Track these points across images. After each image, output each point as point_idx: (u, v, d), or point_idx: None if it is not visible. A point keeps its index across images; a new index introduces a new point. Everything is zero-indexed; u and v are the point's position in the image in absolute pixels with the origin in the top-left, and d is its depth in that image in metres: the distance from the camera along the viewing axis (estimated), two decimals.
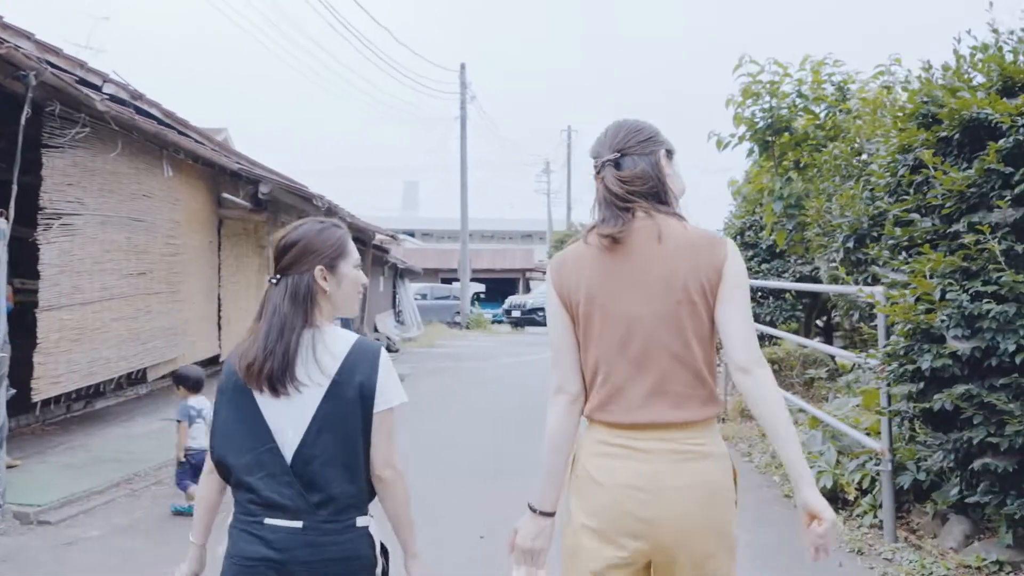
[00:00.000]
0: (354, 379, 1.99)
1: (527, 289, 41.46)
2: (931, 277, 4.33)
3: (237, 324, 12.01)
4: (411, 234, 66.97)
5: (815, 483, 1.98)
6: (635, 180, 2.03)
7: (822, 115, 6.68)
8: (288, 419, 1.98)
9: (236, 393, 2.02)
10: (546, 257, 48.52)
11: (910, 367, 4.58)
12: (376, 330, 21.72)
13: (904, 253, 5.04)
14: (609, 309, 1.98)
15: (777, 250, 9.99)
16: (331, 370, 1.99)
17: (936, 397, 4.36)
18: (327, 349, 2.02)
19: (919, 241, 4.78)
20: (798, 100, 6.70)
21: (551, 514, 2.06)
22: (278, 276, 2.07)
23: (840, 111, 6.57)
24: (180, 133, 8.82)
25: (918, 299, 4.45)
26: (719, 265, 1.96)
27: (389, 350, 20.42)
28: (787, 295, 11.20)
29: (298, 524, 1.95)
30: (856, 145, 5.78)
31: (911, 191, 4.87)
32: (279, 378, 1.97)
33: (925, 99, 4.75)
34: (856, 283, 6.07)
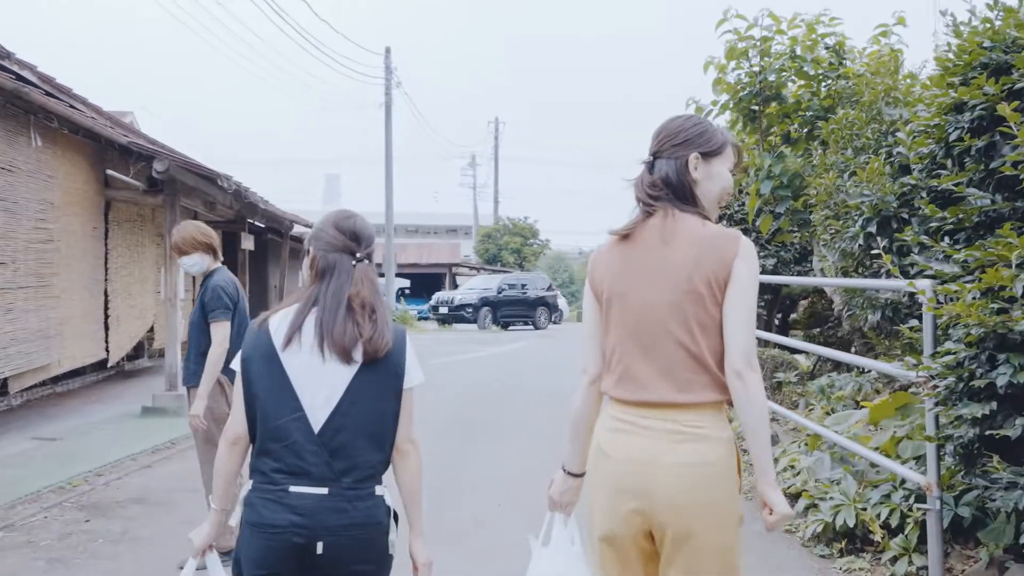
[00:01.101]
0: (387, 356, 2.14)
1: (454, 284, 40.27)
2: (1016, 266, 3.31)
3: (130, 323, 10.47)
4: None
5: (777, 485, 2.17)
6: (658, 185, 2.19)
7: (818, 80, 5.73)
8: (319, 389, 2.09)
9: (265, 361, 2.10)
10: (472, 252, 47.52)
11: (979, 383, 3.57)
12: None
13: (948, 238, 4.03)
14: (626, 298, 2.16)
15: (763, 239, 9.06)
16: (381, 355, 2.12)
17: (1020, 422, 3.36)
18: (385, 339, 2.14)
19: (971, 223, 3.80)
20: (791, 63, 5.73)
21: (577, 475, 2.30)
22: (367, 256, 2.23)
23: (840, 77, 5.64)
24: (47, 95, 7.30)
25: (986, 295, 3.44)
26: (728, 261, 2.07)
27: None
28: None
29: (323, 490, 2.05)
30: (873, 111, 4.84)
31: (965, 160, 3.88)
32: (355, 351, 2.09)
33: (989, 44, 3.76)
34: (866, 273, 5.09)
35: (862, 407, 7.95)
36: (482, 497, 6.06)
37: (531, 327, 29.18)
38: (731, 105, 5.99)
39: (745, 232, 9.59)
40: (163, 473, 6.87)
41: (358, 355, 2.10)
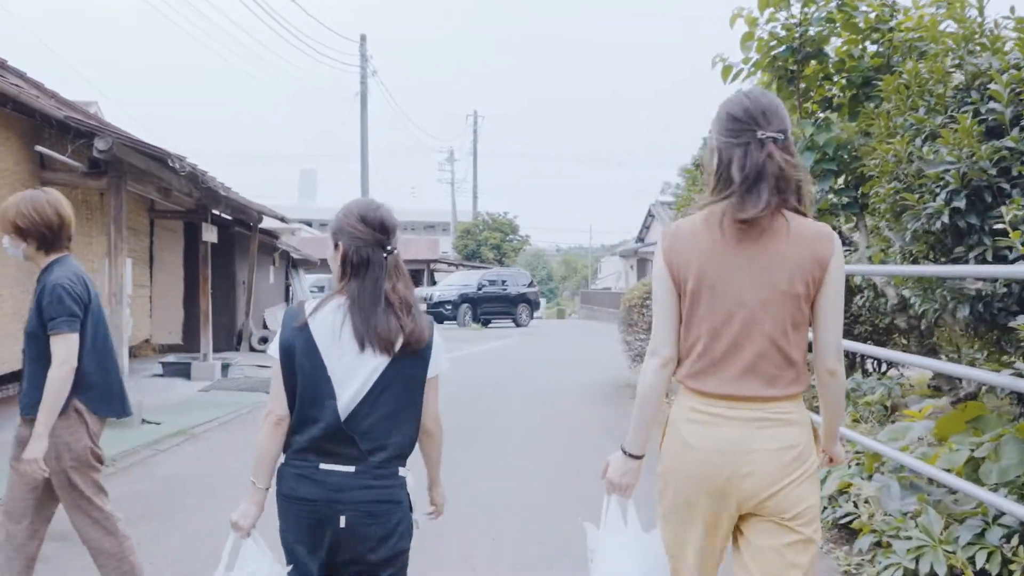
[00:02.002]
0: (421, 348, 2.30)
1: (432, 281, 39.25)
2: None
3: None
4: (308, 223, 63.69)
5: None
6: (796, 168, 2.11)
7: (868, 34, 4.81)
8: (354, 377, 2.23)
9: (304, 351, 2.23)
10: (451, 248, 46.49)
11: None
12: (266, 326, 19.11)
13: None
14: (718, 289, 2.10)
15: None
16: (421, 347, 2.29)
17: None
18: (425, 333, 2.30)
19: None
20: (838, 13, 4.81)
21: (638, 457, 2.28)
22: (391, 249, 2.30)
23: (894, 30, 4.76)
24: None
25: None
26: (825, 260, 2.08)
27: None
28: None
29: (351, 469, 2.23)
30: (951, 61, 3.95)
31: None
32: (396, 344, 2.24)
33: None
34: (943, 259, 4.19)
35: (904, 415, 7.09)
36: (472, 528, 5.12)
37: (512, 324, 28.30)
38: (765, 64, 5.09)
39: None
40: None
41: (398, 347, 2.24)
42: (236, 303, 16.69)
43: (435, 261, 41.45)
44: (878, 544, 4.06)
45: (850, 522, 4.44)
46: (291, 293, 24.95)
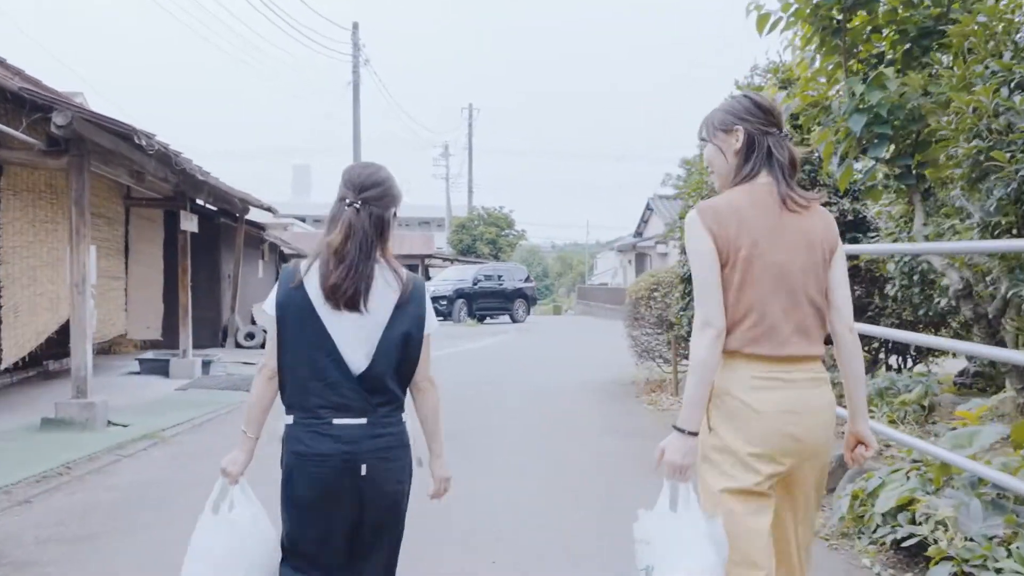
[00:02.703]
0: (411, 306, 2.39)
1: (427, 276, 38.55)
2: None
3: (35, 316, 8.67)
4: (302, 219, 62.90)
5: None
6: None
7: None
8: (355, 334, 2.32)
9: (300, 309, 2.32)
10: (446, 243, 45.77)
11: None
12: (253, 322, 18.39)
13: None
14: (768, 258, 2.26)
15: (839, 193, 7.53)
16: (395, 297, 2.36)
17: None
18: (390, 280, 2.37)
19: None
20: None
21: (696, 434, 2.28)
22: (360, 203, 2.35)
23: None
24: None
25: None
26: (835, 234, 2.39)
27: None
28: None
29: (363, 421, 2.33)
30: None
31: None
32: (363, 299, 2.31)
33: None
34: None
35: (947, 416, 6.42)
36: (471, 550, 4.45)
37: (509, 320, 27.62)
38: (805, 14, 4.41)
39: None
40: (41, 512, 5.15)
41: (374, 300, 2.33)
42: (221, 297, 15.98)
43: (429, 256, 40.74)
44: (957, 575, 3.39)
45: (916, 545, 3.77)
46: None
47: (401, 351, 2.38)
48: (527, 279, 29.31)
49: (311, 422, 2.33)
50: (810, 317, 2.30)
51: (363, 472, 2.32)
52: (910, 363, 9.45)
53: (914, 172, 4.49)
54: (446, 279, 28.72)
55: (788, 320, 2.26)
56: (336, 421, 2.32)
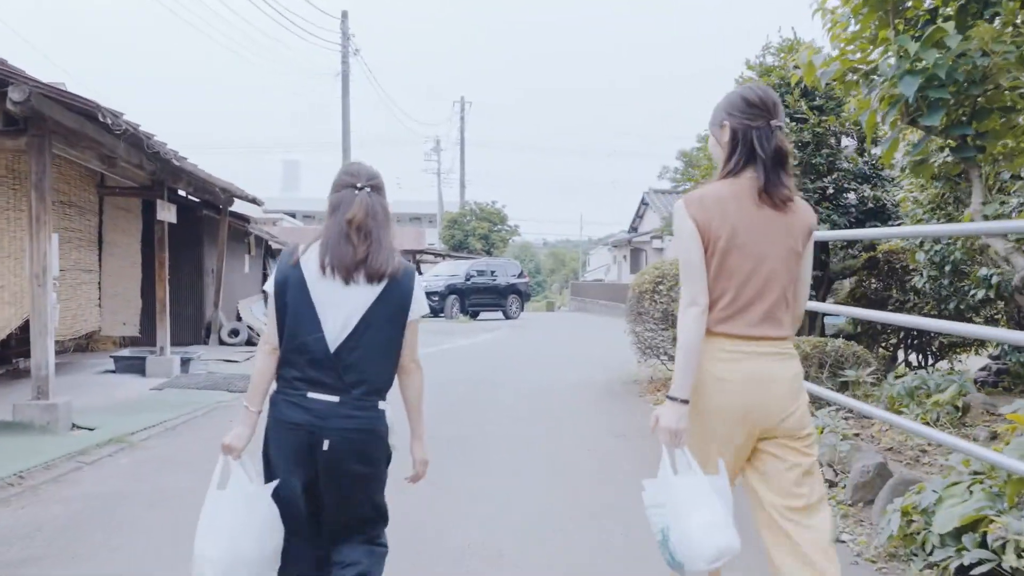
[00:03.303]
0: (399, 289, 2.52)
1: (418, 272, 37.92)
2: None
3: None
4: (292, 215, 62.20)
5: None
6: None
7: None
8: (339, 314, 2.45)
9: (295, 287, 2.48)
10: (438, 239, 45.13)
11: None
12: (239, 318, 17.76)
13: None
14: (746, 248, 2.48)
15: (879, 169, 6.99)
16: (383, 279, 2.49)
17: None
18: (380, 261, 2.50)
19: None
20: None
21: (687, 401, 2.49)
22: (370, 188, 2.54)
23: None
24: None
25: None
26: (810, 228, 2.60)
27: (251, 343, 16.65)
28: None
29: (335, 399, 2.45)
30: None
31: None
32: (363, 270, 2.47)
33: None
34: None
35: (995, 419, 5.89)
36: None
37: (502, 316, 27.05)
38: None
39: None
40: None
41: (360, 277, 2.46)
42: (204, 292, 15.35)
43: (421, 252, 40.13)
44: None
45: (989, 574, 3.23)
46: None
47: (382, 329, 2.50)
48: (520, 275, 28.72)
49: (289, 392, 2.51)
50: (779, 304, 2.52)
51: (324, 447, 2.45)
52: (928, 361, 8.94)
53: (973, 144, 3.95)
54: (438, 275, 28.09)
55: (758, 305, 2.49)
56: (310, 395, 2.47)
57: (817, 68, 4.17)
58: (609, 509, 4.86)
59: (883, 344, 8.75)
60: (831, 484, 5.25)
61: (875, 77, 4.07)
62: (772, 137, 2.50)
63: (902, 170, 6.83)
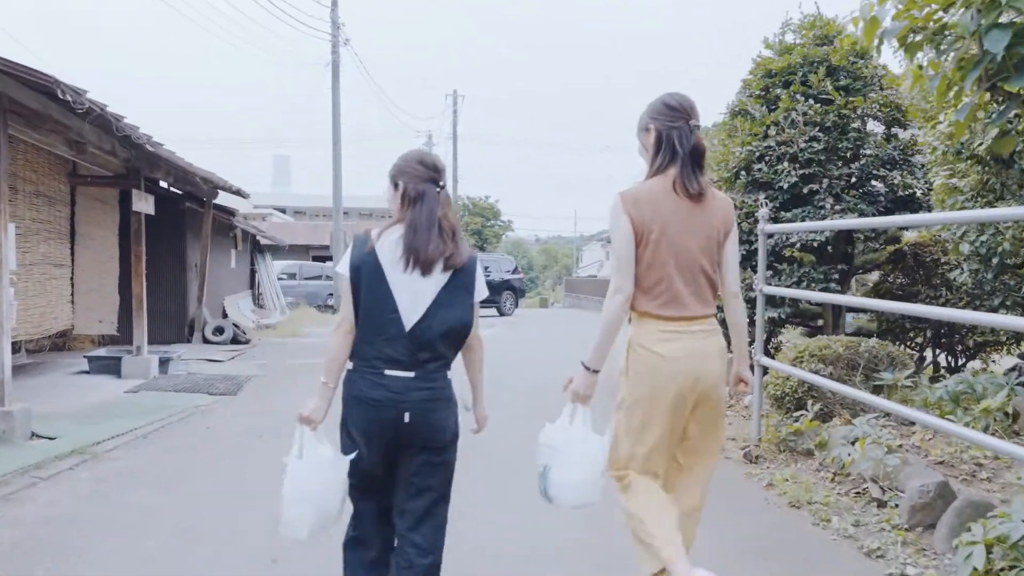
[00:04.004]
0: (465, 273, 2.73)
1: None
2: None
3: None
4: (282, 210, 61.37)
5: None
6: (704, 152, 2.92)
7: None
8: (413, 297, 2.65)
9: (371, 271, 2.66)
10: None
11: None
12: (225, 315, 17.11)
13: None
14: (674, 240, 2.82)
15: (908, 154, 6.41)
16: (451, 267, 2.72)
17: None
18: (460, 257, 2.73)
19: None
20: None
21: (598, 371, 2.92)
22: (442, 185, 2.78)
23: None
24: None
25: None
26: (731, 219, 2.96)
27: (237, 341, 16.02)
28: (803, 258, 7.59)
29: (411, 374, 2.66)
30: None
31: None
32: (436, 265, 2.67)
33: None
34: None
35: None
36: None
37: (496, 313, 26.44)
38: None
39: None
40: None
41: (440, 269, 2.67)
42: (187, 289, 14.67)
43: None
44: None
45: None
46: (257, 279, 22.89)
47: (451, 309, 2.69)
48: (515, 270, 28.11)
49: (367, 371, 2.67)
50: (704, 286, 2.88)
51: (406, 419, 2.65)
52: (959, 361, 8.37)
53: None
54: None
55: (687, 288, 2.83)
56: (388, 372, 2.65)
57: (881, 23, 3.56)
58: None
59: (909, 343, 8.18)
60: (879, 504, 4.67)
61: (947, 34, 3.49)
62: (691, 136, 2.84)
63: (944, 154, 6.25)
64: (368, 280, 2.65)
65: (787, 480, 5.19)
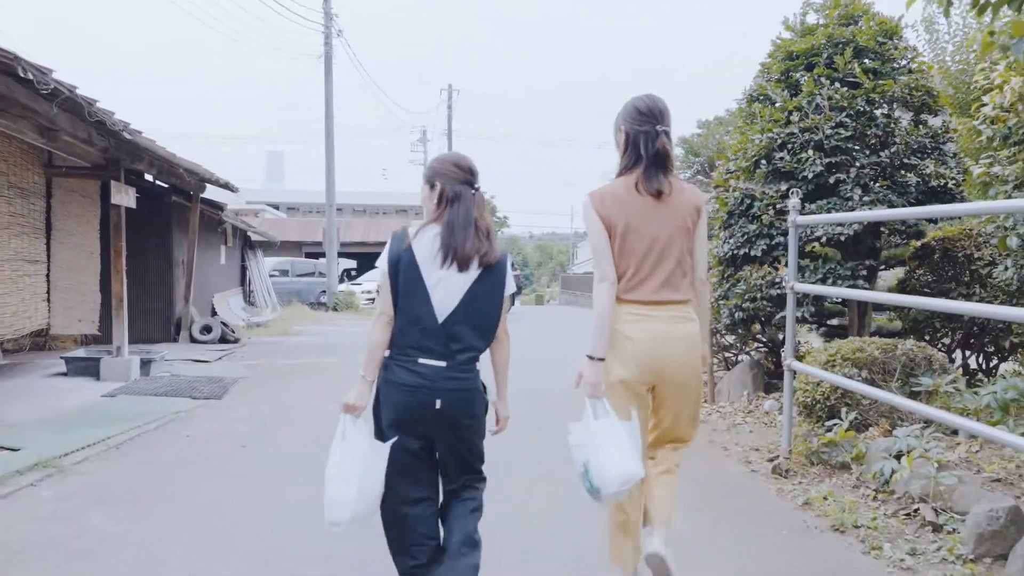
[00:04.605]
0: (496, 270, 2.89)
1: None
2: None
3: None
4: (275, 206, 60.73)
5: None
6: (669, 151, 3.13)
7: None
8: (446, 291, 2.82)
9: (408, 266, 2.81)
10: None
11: None
12: (214, 313, 16.56)
13: None
14: (640, 231, 3.06)
15: (940, 141, 5.95)
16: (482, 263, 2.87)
17: None
18: (494, 255, 2.89)
19: None
20: None
21: (603, 359, 3.07)
22: (477, 187, 2.96)
23: None
24: None
25: None
26: (700, 208, 3.17)
27: (225, 340, 15.44)
28: (826, 252, 7.09)
29: (442, 364, 2.81)
30: None
31: None
32: (472, 262, 2.83)
33: None
34: None
35: None
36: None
37: None
38: None
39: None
40: None
41: (475, 265, 2.83)
42: (173, 286, 14.10)
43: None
44: None
45: None
46: (248, 276, 22.31)
47: (482, 304, 2.87)
48: (511, 267, 27.59)
49: (402, 358, 2.84)
50: (675, 273, 3.10)
51: (437, 405, 2.82)
52: (991, 363, 7.87)
53: None
54: None
55: (655, 275, 3.07)
56: (421, 360, 2.81)
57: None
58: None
59: (938, 346, 7.67)
60: (934, 528, 4.17)
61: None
62: (656, 140, 3.06)
63: (989, 139, 5.74)
64: (405, 274, 2.81)
65: (826, 498, 4.69)
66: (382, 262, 2.86)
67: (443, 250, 2.79)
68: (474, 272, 2.82)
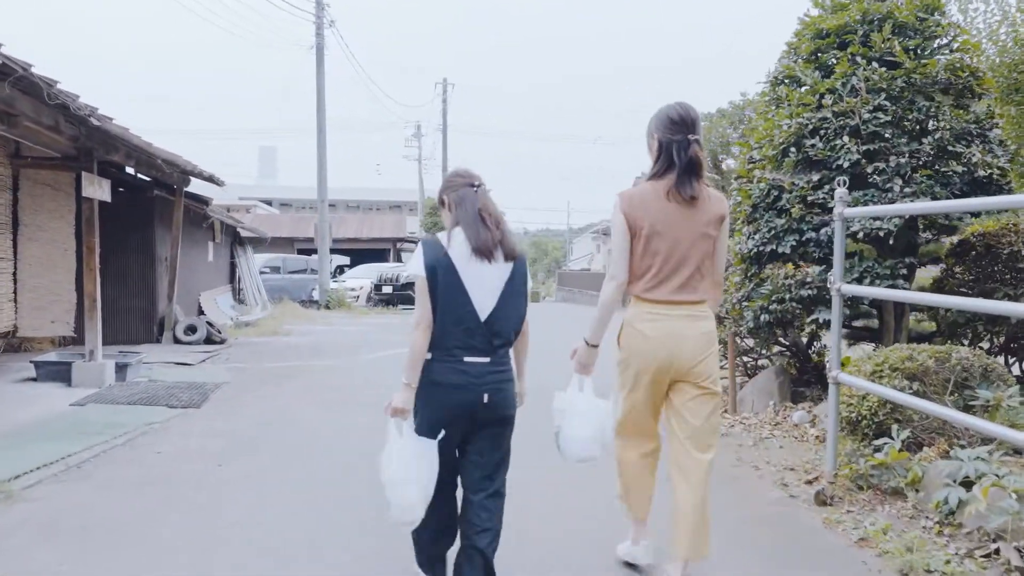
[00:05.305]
0: (521, 266, 3.09)
1: (398, 260, 36.10)
2: None
3: None
4: (268, 202, 59.98)
5: None
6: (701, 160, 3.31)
7: None
8: (483, 290, 2.98)
9: (446, 270, 2.95)
10: (419, 227, 43.22)
11: None
12: (201, 312, 15.88)
13: None
14: (664, 235, 3.25)
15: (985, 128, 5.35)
16: (514, 258, 3.07)
17: None
18: (513, 241, 3.10)
19: None
20: None
21: (597, 346, 3.42)
22: (477, 185, 3.14)
23: None
24: None
25: None
26: (723, 216, 3.34)
27: (211, 341, 14.69)
28: (863, 250, 6.46)
29: (486, 360, 2.99)
30: None
31: None
32: (496, 252, 3.00)
33: None
34: None
35: None
36: None
37: None
38: None
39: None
40: None
41: (499, 255, 3.00)
42: (156, 284, 13.42)
43: (401, 240, 38.31)
44: None
45: None
46: (237, 274, 21.61)
47: (514, 300, 3.04)
48: None
49: (446, 358, 2.97)
50: (694, 276, 3.29)
51: (485, 400, 2.99)
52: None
53: None
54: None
55: (675, 277, 3.26)
56: (466, 359, 2.96)
57: None
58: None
59: (988, 352, 7.05)
60: (1021, 573, 3.55)
61: None
62: (688, 148, 3.26)
63: None
64: (444, 278, 2.94)
65: (885, 533, 4.07)
66: (418, 270, 2.97)
67: (471, 247, 2.96)
68: (506, 269, 3.01)
